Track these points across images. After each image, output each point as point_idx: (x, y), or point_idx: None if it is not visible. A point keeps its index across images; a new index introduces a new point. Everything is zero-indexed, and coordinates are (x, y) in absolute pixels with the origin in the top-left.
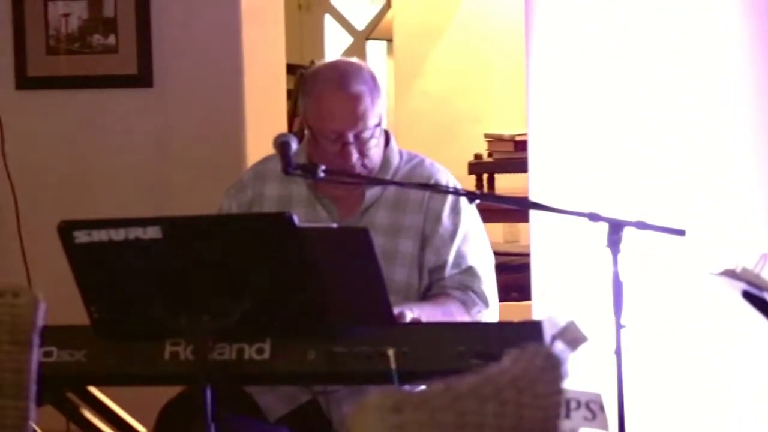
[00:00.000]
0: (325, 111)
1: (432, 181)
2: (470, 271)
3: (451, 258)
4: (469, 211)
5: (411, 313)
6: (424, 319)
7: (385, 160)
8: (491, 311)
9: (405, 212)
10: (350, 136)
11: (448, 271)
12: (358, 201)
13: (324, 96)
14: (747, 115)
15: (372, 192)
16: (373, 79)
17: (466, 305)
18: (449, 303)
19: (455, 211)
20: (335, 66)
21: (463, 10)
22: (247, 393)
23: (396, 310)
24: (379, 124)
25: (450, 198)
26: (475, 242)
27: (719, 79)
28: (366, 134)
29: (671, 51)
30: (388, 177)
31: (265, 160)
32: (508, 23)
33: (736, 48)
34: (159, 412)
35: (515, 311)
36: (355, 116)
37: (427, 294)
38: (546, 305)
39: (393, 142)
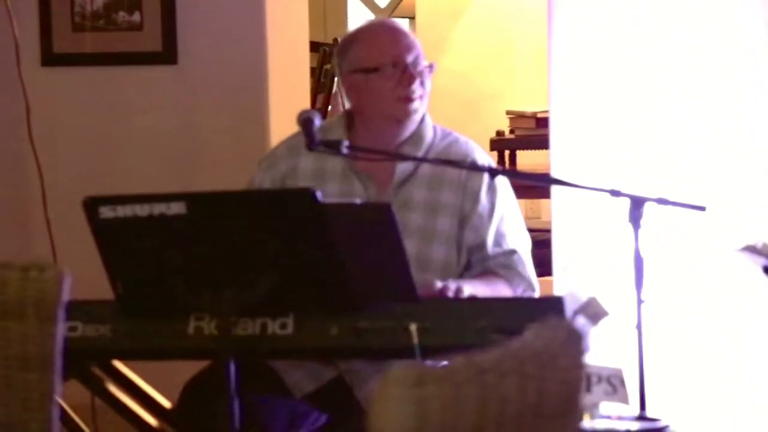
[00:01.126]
0: (378, 43)
1: (468, 160)
2: (514, 254)
3: (491, 237)
4: (505, 191)
5: (468, 288)
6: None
7: (418, 134)
8: (537, 295)
9: (442, 190)
10: (409, 58)
11: (491, 249)
12: (392, 173)
13: (374, 33)
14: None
15: (404, 165)
16: None
17: (512, 286)
18: (497, 283)
19: (492, 189)
20: (370, 21)
21: None
22: (273, 371)
23: (453, 285)
24: (429, 67)
25: (486, 176)
26: (513, 223)
27: (742, 54)
28: (421, 62)
29: (695, 27)
30: (420, 152)
31: (299, 134)
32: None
33: (760, 22)
34: (182, 389)
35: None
36: (408, 41)
37: (468, 272)
38: (568, 281)
39: (427, 117)
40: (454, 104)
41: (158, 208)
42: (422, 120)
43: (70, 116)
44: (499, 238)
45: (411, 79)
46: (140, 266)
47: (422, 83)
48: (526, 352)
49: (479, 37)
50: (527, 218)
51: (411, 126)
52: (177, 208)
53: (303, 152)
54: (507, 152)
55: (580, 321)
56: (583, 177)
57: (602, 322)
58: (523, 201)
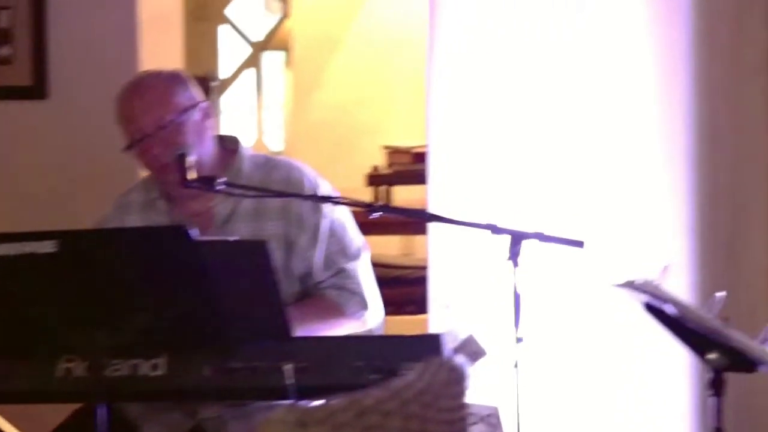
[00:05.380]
0: (123, 119)
1: (288, 181)
2: (343, 273)
3: (320, 261)
4: (329, 205)
5: None
6: None
7: (235, 169)
8: (373, 312)
9: (265, 220)
10: (148, 126)
11: (320, 275)
12: (213, 215)
13: (120, 107)
14: (649, 126)
15: (223, 204)
16: (169, 77)
17: (342, 305)
18: (318, 303)
19: (315, 208)
20: (121, 88)
21: (361, 19)
22: (130, 423)
23: None
24: (184, 112)
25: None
26: (343, 237)
27: (620, 93)
28: (166, 116)
29: (573, 62)
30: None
31: (128, 192)
32: (407, 33)
33: (638, 60)
34: None
35: (411, 325)
36: (142, 106)
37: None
38: (446, 318)
39: (242, 150)
40: (329, 139)
41: (28, 247)
42: (236, 153)
43: None
44: (328, 261)
45: (148, 150)
46: (9, 306)
47: (172, 143)
48: (409, 392)
49: (356, 70)
50: (401, 254)
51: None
52: (47, 246)
53: (131, 210)
54: (383, 188)
55: (459, 359)
56: (461, 212)
57: (480, 361)
58: (397, 237)
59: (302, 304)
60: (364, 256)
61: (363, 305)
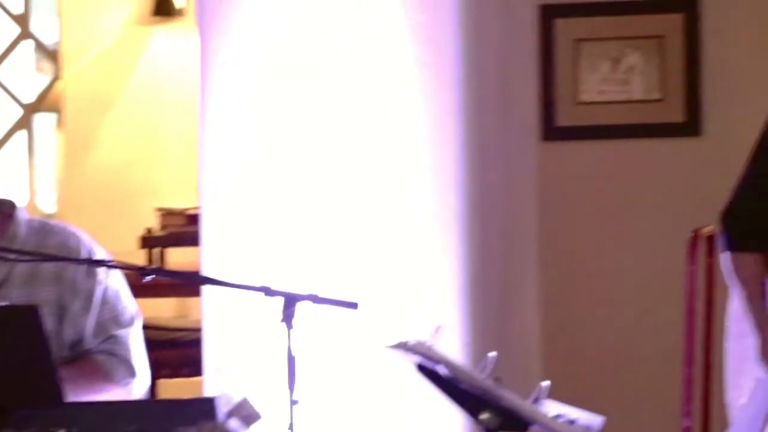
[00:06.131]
0: None
1: (64, 247)
2: (114, 339)
3: (90, 329)
4: (104, 270)
5: None
6: None
7: (10, 233)
8: (140, 381)
9: (39, 286)
10: None
11: (91, 341)
12: None
13: None
14: (421, 190)
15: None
16: None
17: (110, 371)
18: (86, 366)
19: (89, 273)
20: None
21: (133, 80)
22: None
23: None
24: None
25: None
26: (114, 304)
27: (392, 157)
28: None
29: (346, 126)
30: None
31: None
32: (180, 94)
33: (409, 126)
34: None
35: (186, 388)
36: None
37: None
38: (219, 381)
39: (18, 214)
40: (102, 200)
41: None
42: (12, 217)
43: None
44: (99, 328)
45: None
46: None
47: None
48: None
49: (128, 131)
50: (176, 317)
51: None
52: None
53: None
54: (157, 250)
55: (233, 423)
56: (235, 274)
57: (254, 424)
58: (172, 300)
59: (71, 366)
60: (136, 324)
61: (130, 373)
